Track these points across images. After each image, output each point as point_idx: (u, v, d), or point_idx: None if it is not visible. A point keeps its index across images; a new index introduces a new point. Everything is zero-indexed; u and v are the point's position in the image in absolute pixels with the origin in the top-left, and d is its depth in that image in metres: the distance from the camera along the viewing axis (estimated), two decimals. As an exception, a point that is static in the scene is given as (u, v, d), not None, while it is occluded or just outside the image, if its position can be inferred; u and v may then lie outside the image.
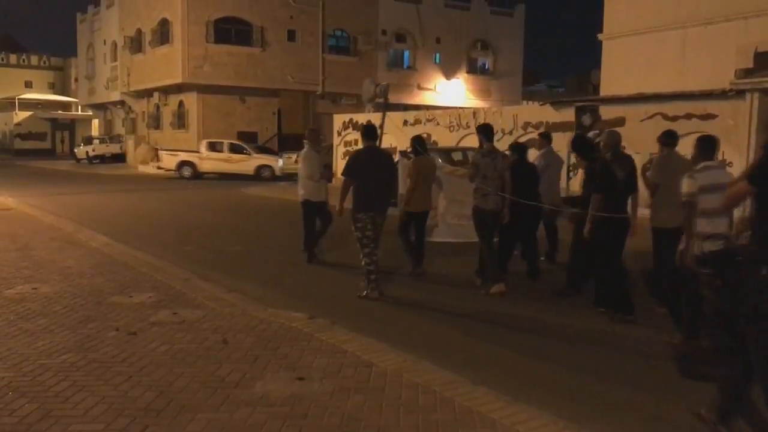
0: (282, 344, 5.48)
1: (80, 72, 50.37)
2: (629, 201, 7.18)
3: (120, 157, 41.59)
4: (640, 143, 12.68)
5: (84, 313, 6.42)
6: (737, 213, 5.20)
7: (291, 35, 35.13)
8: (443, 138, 20.74)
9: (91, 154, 41.92)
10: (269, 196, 20.71)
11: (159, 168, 29.25)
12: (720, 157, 14.55)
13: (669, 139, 7.01)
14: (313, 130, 10.54)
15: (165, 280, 7.92)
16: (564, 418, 4.18)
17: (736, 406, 4.02)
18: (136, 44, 38.03)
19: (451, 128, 20.99)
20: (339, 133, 26.32)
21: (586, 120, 10.75)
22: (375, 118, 26.19)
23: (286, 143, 31.81)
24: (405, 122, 22.90)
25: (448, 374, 4.86)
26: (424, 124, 22.07)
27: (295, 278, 8.73)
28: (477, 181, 7.92)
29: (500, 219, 7.99)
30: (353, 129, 25.32)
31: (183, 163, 28.50)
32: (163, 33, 35.02)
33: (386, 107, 16.65)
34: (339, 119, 27.15)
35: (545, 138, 9.94)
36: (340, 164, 24.58)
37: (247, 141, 33.00)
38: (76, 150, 44.75)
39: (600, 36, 22.35)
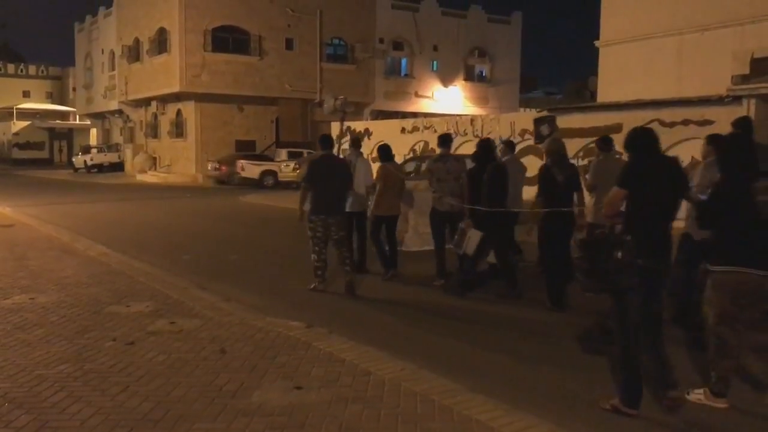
0: (280, 353, 5.46)
1: (78, 81, 50.44)
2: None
3: (118, 166, 41.59)
4: (637, 150, 12.67)
5: (81, 323, 6.40)
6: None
7: (289, 44, 35.19)
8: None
9: (89, 163, 41.92)
10: (268, 204, 20.71)
11: (243, 178, 28.41)
12: (717, 163, 14.61)
13: (605, 144, 7.93)
14: (356, 137, 10.69)
15: (163, 289, 7.90)
16: (563, 427, 4.17)
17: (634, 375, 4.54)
18: (134, 53, 38.08)
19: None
20: (336, 141, 26.29)
21: (545, 130, 11.20)
22: (372, 125, 26.32)
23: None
24: (403, 129, 22.94)
25: (447, 382, 4.84)
26: (422, 131, 22.09)
27: (293, 286, 8.70)
28: (433, 185, 8.60)
29: (458, 220, 8.36)
30: (350, 137, 25.33)
31: (266, 173, 28.53)
32: (161, 42, 35.06)
33: (344, 119, 18.68)
34: (336, 127, 27.14)
35: (508, 146, 9.97)
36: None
37: (245, 150, 33.05)
38: (74, 159, 44.75)
39: (597, 43, 22.40)
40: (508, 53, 42.86)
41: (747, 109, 13.96)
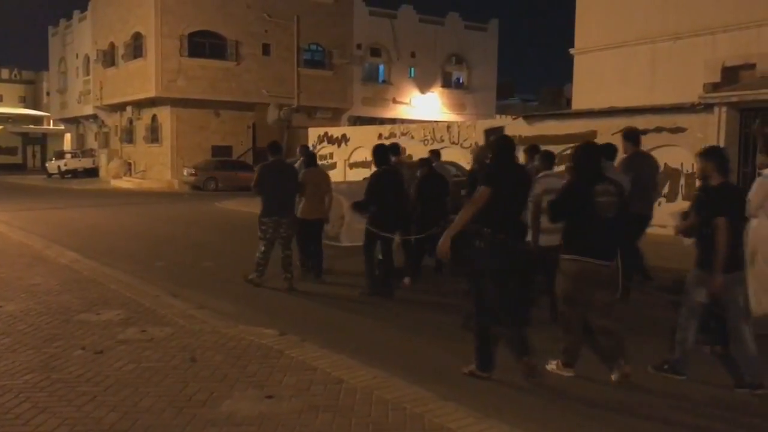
0: (251, 362, 5.41)
1: (52, 86, 49.84)
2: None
3: (92, 172, 41.10)
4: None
5: (50, 331, 6.29)
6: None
7: (266, 49, 35.07)
8: (418, 151, 20.77)
9: (63, 168, 41.37)
10: (243, 211, 20.57)
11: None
12: (690, 169, 14.79)
13: (533, 152, 8.22)
14: (395, 144, 10.91)
15: (134, 297, 7.80)
16: (534, 434, 4.18)
17: (522, 348, 5.33)
18: (109, 58, 37.72)
19: (426, 142, 21.04)
20: (314, 147, 26.26)
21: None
22: (349, 131, 26.33)
23: (262, 157, 31.67)
24: (380, 136, 22.94)
25: (419, 390, 4.82)
26: (399, 137, 22.09)
27: (267, 294, 8.65)
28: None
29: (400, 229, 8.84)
30: (328, 142, 25.32)
31: None
32: (136, 47, 34.78)
33: (288, 127, 19.98)
34: (314, 133, 27.13)
35: (435, 155, 10.43)
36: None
37: (222, 155, 32.87)
38: (47, 164, 44.16)
39: (571, 50, 22.61)
40: (485, 60, 43.10)
41: (718, 116, 14.15)
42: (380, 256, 8.61)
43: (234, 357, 5.53)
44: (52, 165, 42.61)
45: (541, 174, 7.16)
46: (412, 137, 21.75)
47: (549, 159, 7.55)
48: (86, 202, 23.67)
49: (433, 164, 9.88)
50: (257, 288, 8.87)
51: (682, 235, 5.82)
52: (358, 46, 38.33)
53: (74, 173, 40.77)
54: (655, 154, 15.23)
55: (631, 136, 8.44)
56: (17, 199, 24.40)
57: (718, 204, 5.17)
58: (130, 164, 37.60)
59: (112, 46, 37.40)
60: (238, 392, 4.73)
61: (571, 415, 4.70)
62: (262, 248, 8.80)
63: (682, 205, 14.93)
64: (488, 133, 13.00)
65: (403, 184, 8.82)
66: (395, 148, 10.00)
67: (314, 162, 9.91)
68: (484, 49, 43.08)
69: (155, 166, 35.15)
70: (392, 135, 22.62)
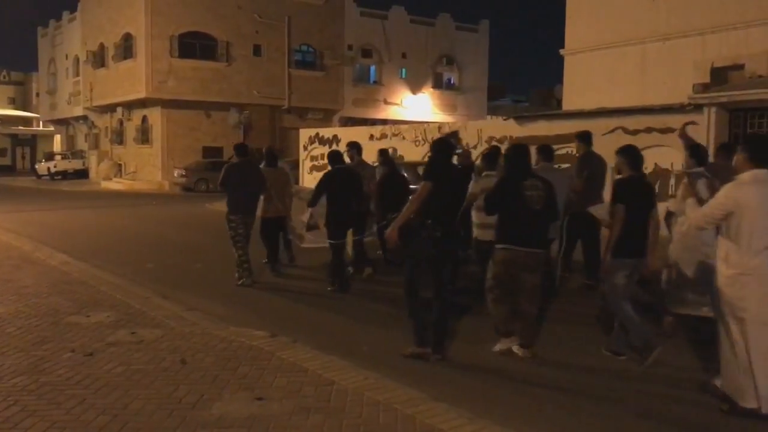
0: (242, 363, 5.39)
1: (42, 87, 49.57)
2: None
3: (83, 173, 40.93)
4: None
5: (39, 333, 6.25)
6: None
7: (257, 50, 35.01)
8: (409, 152, 20.80)
9: (53, 170, 41.18)
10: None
11: None
12: (680, 170, 14.85)
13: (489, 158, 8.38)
14: (356, 143, 11.14)
15: (124, 299, 7.76)
16: (525, 434, 4.19)
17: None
18: (98, 59, 37.56)
19: (417, 143, 21.05)
20: (305, 148, 26.22)
21: (452, 142, 12.17)
22: (340, 131, 26.30)
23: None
24: (371, 137, 22.94)
25: (410, 391, 4.82)
26: (390, 138, 22.10)
27: (257, 295, 8.63)
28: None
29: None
30: (319, 144, 25.28)
31: None
32: (126, 47, 34.65)
33: (247, 131, 21.37)
34: (305, 134, 27.07)
35: (383, 155, 10.73)
36: (307, 179, 24.51)
37: (212, 157, 32.76)
38: (37, 166, 43.96)
39: (562, 51, 22.67)
40: (476, 61, 43.17)
41: (708, 117, 14.22)
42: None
43: (224, 359, 5.51)
44: (42, 166, 42.41)
45: (483, 174, 7.71)
46: (404, 138, 21.74)
47: (492, 159, 8.04)
48: (76, 204, 23.56)
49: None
50: (248, 289, 8.86)
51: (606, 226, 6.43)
52: (349, 47, 38.33)
53: (64, 175, 40.57)
54: (644, 154, 15.29)
55: (584, 137, 8.84)
56: (6, 201, 24.26)
57: (619, 193, 5.82)
58: (120, 165, 37.46)
59: (102, 47, 37.24)
60: (228, 394, 4.72)
61: (562, 414, 4.70)
62: (238, 245, 9.07)
63: (670, 204, 15.01)
64: (447, 135, 13.47)
65: (358, 183, 9.21)
66: (357, 147, 10.55)
67: (275, 162, 10.27)
68: (475, 50, 43.16)
69: (146, 167, 35.03)
70: (383, 136, 22.62)
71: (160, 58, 32.81)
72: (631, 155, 6.01)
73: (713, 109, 14.18)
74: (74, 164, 41.75)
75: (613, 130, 15.82)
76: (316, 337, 6.45)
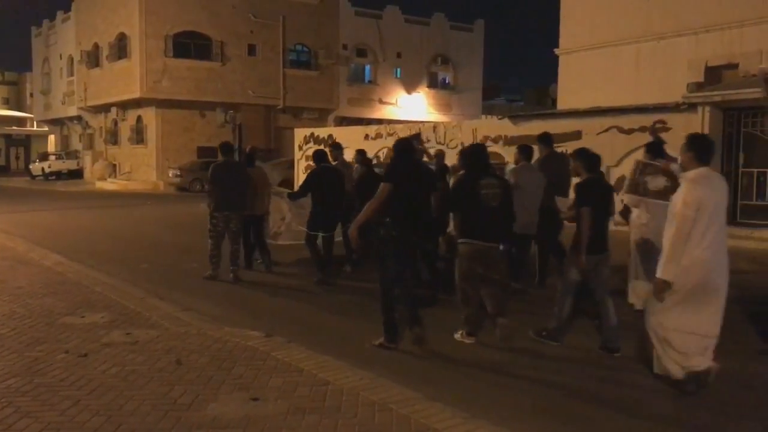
0: (237, 364, 5.38)
1: (35, 87, 49.44)
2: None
3: (77, 174, 40.83)
4: (596, 156, 12.87)
5: (33, 335, 6.23)
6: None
7: (251, 49, 34.99)
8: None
9: (47, 170, 41.08)
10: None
11: None
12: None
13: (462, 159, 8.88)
14: (337, 143, 11.62)
15: (119, 300, 7.74)
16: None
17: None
18: (93, 59, 37.48)
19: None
20: (300, 148, 26.19)
21: (415, 144, 12.51)
22: (335, 131, 26.30)
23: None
24: (366, 136, 22.93)
25: (405, 391, 4.81)
26: (385, 138, 22.10)
27: (252, 295, 8.62)
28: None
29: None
30: (315, 143, 25.24)
31: None
32: (120, 47, 34.58)
33: (235, 129, 21.81)
34: (300, 133, 27.05)
35: (360, 155, 10.88)
36: (301, 178, 24.46)
37: (207, 157, 32.69)
38: (31, 166, 43.84)
39: (556, 51, 22.71)
40: (470, 61, 43.21)
41: (702, 116, 14.26)
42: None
43: (219, 359, 5.49)
44: (36, 167, 42.30)
45: (460, 171, 7.97)
46: (399, 137, 21.75)
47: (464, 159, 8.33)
48: (71, 204, 23.50)
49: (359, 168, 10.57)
50: (243, 290, 8.86)
51: (568, 221, 6.76)
52: (344, 47, 38.32)
53: (58, 175, 40.49)
54: (639, 153, 15.37)
55: (545, 138, 9.07)
56: (0, 202, 24.17)
57: (582, 196, 6.07)
58: (114, 166, 37.38)
59: (96, 46, 37.15)
60: (223, 395, 4.71)
61: (557, 414, 4.71)
62: (212, 242, 9.43)
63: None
64: (412, 137, 13.93)
65: (342, 181, 9.52)
66: (337, 146, 11.25)
67: (252, 162, 10.52)
68: (470, 50, 43.20)
69: (140, 167, 34.96)
70: (378, 135, 22.61)
71: (155, 58, 32.76)
72: (586, 158, 6.27)
73: (707, 108, 14.24)
74: (68, 164, 41.65)
75: (607, 129, 15.86)
76: (312, 337, 6.44)
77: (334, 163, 10.31)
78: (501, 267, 6.46)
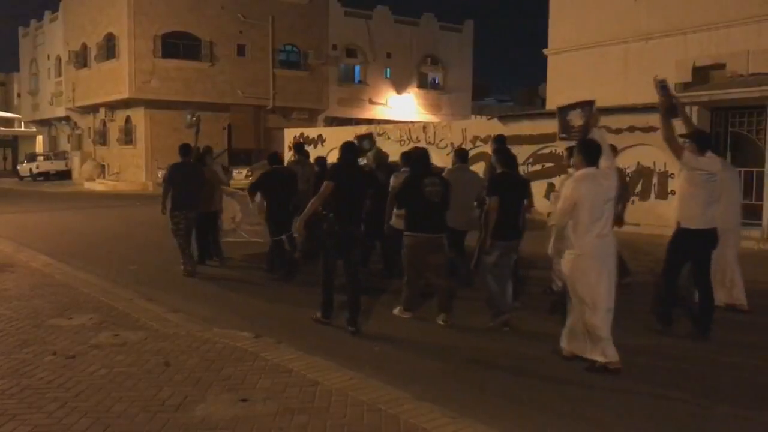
0: (226, 365, 5.37)
1: (23, 87, 49.05)
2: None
3: (65, 174, 40.56)
4: (585, 156, 12.92)
5: (20, 337, 6.20)
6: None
7: (240, 50, 34.86)
8: (394, 152, 20.80)
9: (35, 171, 40.79)
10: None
11: None
12: (662, 168, 14.98)
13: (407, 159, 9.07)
14: (208, 147, 12.18)
15: (107, 301, 7.72)
16: (508, 433, 4.20)
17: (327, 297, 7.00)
18: (81, 59, 37.24)
19: (402, 142, 21.07)
20: (290, 148, 26.14)
21: (366, 145, 13.05)
22: (325, 131, 26.31)
23: (237, 158, 31.46)
24: (356, 136, 22.92)
25: (394, 391, 4.83)
26: (375, 138, 22.10)
27: (242, 296, 8.60)
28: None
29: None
30: (305, 143, 25.21)
31: None
32: (109, 47, 34.38)
33: (198, 132, 22.91)
34: (290, 134, 27.03)
35: (318, 158, 11.64)
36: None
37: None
38: (19, 167, 43.53)
39: (545, 51, 22.77)
40: (460, 61, 43.24)
41: (690, 116, 14.33)
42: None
43: (208, 360, 5.49)
44: (24, 168, 42.00)
45: (401, 170, 8.73)
46: (389, 138, 21.75)
47: (405, 159, 9.01)
48: (59, 205, 23.37)
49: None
50: (232, 292, 8.84)
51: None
52: (334, 47, 38.25)
53: (47, 176, 40.21)
54: (627, 153, 15.47)
55: (460, 152, 9.37)
56: (-12, 203, 23.99)
57: (492, 187, 6.98)
58: (103, 166, 37.17)
59: (85, 47, 36.93)
60: (212, 396, 4.70)
61: (550, 415, 4.73)
62: (180, 240, 9.86)
63: (654, 203, 15.14)
64: (360, 138, 14.44)
65: (293, 181, 10.03)
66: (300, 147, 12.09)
67: (204, 162, 10.99)
68: (460, 50, 43.22)
69: (129, 168, 34.78)
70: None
71: (143, 58, 32.60)
72: (503, 156, 7.29)
73: (695, 108, 14.31)
74: (57, 165, 41.36)
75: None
76: (301, 337, 6.44)
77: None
78: (444, 254, 7.31)
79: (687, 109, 14.29)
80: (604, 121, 15.64)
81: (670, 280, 6.79)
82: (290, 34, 36.25)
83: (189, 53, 33.72)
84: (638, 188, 15.42)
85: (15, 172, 44.25)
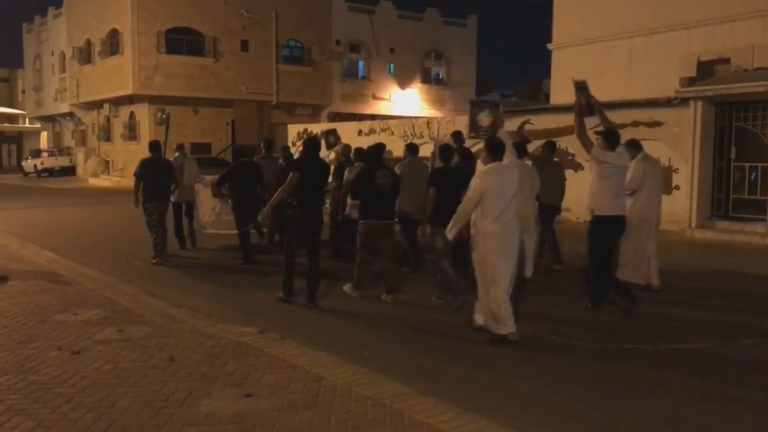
0: (230, 360, 5.38)
1: (27, 83, 49.15)
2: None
3: (70, 170, 40.66)
4: (589, 151, 12.88)
5: (26, 332, 6.22)
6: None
7: (244, 45, 34.86)
8: (397, 148, 20.78)
9: (40, 167, 40.88)
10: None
11: None
12: (667, 163, 14.93)
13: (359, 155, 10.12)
14: (181, 144, 13.64)
15: (112, 297, 7.74)
16: (513, 428, 4.20)
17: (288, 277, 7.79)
18: (85, 55, 37.28)
19: (405, 138, 21.02)
20: (294, 143, 26.15)
21: (331, 139, 14.65)
22: (330, 127, 26.26)
23: (241, 154, 31.42)
24: (360, 132, 22.92)
25: (398, 386, 4.83)
26: (379, 133, 22.09)
27: (246, 292, 8.61)
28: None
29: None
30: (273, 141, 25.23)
31: None
32: (113, 43, 34.41)
33: (168, 129, 23.91)
34: (294, 129, 27.02)
35: (284, 151, 12.25)
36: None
37: (200, 153, 32.60)
38: (23, 163, 43.64)
39: (549, 46, 22.71)
40: (464, 56, 43.17)
41: (694, 110, 14.29)
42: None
43: (213, 356, 5.50)
44: (29, 164, 42.09)
45: (355, 165, 9.51)
46: (392, 133, 21.73)
47: (357, 155, 10.24)
48: (63, 201, 23.42)
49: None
50: (237, 287, 8.85)
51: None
52: (337, 42, 38.22)
53: (51, 172, 40.32)
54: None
55: (411, 146, 10.13)
56: (-8, 199, 24.05)
57: (432, 179, 7.66)
58: (107, 162, 37.23)
59: (89, 43, 36.96)
60: (216, 391, 4.71)
61: (555, 412, 4.73)
62: (153, 229, 10.42)
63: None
64: (325, 134, 15.03)
65: (258, 174, 10.65)
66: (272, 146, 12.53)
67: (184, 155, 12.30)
68: (463, 45, 43.15)
69: (133, 163, 34.48)
70: (372, 131, 22.60)
71: (147, 54, 32.61)
72: (444, 151, 8.11)
73: (699, 103, 14.27)
74: (61, 161, 41.46)
75: (600, 124, 15.84)
76: (305, 333, 6.44)
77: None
78: (394, 240, 8.35)
79: (691, 104, 14.33)
80: (609, 116, 15.60)
81: (599, 263, 7.42)
82: (294, 29, 36.22)
83: (192, 49, 33.73)
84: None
85: (20, 168, 44.35)
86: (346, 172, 9.55)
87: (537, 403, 4.84)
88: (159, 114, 27.89)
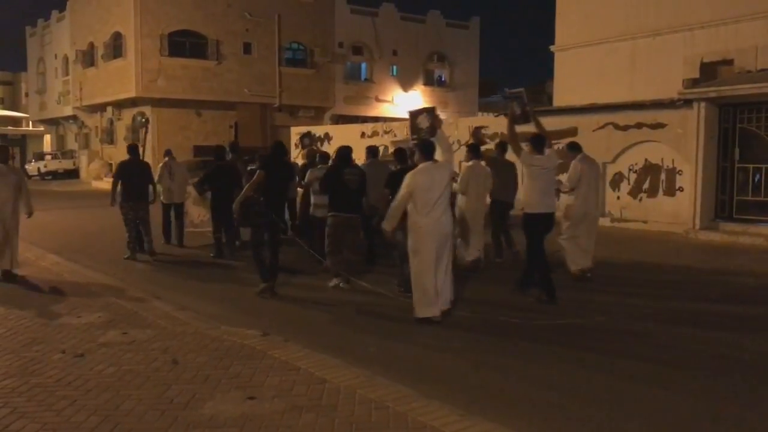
0: (234, 363, 5.38)
1: (31, 87, 49.22)
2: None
3: (73, 173, 40.71)
4: (592, 152, 12.84)
5: (29, 335, 6.23)
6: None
7: (247, 48, 34.89)
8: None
9: (43, 170, 40.97)
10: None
11: None
12: (670, 165, 14.91)
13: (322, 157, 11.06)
14: (168, 150, 14.22)
15: (116, 299, 7.74)
16: (517, 431, 4.19)
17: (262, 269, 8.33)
18: (88, 58, 37.35)
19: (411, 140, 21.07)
20: (296, 146, 26.17)
21: (306, 141, 15.54)
22: (332, 129, 26.32)
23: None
24: (363, 134, 22.95)
25: (402, 388, 4.82)
26: (382, 135, 22.11)
27: (250, 295, 8.58)
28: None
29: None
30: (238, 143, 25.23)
31: None
32: (116, 46, 34.47)
33: (147, 131, 25.98)
34: (296, 132, 27.05)
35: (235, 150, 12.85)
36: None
37: (203, 155, 32.62)
38: (27, 166, 43.67)
39: (552, 48, 22.71)
40: (466, 58, 43.16)
41: (697, 112, 14.27)
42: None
43: (216, 358, 5.50)
44: (32, 166, 42.17)
45: (318, 167, 10.22)
46: (395, 135, 21.74)
47: (321, 157, 11.11)
48: (67, 204, 23.47)
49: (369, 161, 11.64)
50: (240, 289, 8.85)
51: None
52: (340, 45, 38.23)
53: (54, 174, 40.38)
54: (635, 149, 15.43)
55: (371, 149, 11.03)
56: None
57: (390, 181, 7.99)
58: (111, 165, 37.25)
59: (92, 46, 37.03)
60: (220, 394, 4.71)
61: (558, 411, 4.73)
62: (128, 227, 11.05)
63: (662, 200, 15.07)
64: (303, 136, 15.27)
65: (237, 176, 11.02)
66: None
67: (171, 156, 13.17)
68: (466, 47, 43.14)
69: (136, 166, 34.78)
70: (375, 133, 22.62)
71: (150, 57, 32.66)
72: (399, 154, 9.01)
73: (703, 104, 14.24)
74: (65, 164, 41.53)
75: (603, 126, 15.89)
76: (308, 335, 6.44)
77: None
78: (358, 232, 9.20)
79: (695, 105, 14.30)
80: (612, 117, 15.68)
81: (537, 256, 7.99)
82: (296, 31, 36.25)
83: (195, 52, 33.78)
84: (646, 185, 15.36)
85: (23, 171, 44.35)
86: (308, 173, 10.25)
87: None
88: (138, 118, 28.41)
